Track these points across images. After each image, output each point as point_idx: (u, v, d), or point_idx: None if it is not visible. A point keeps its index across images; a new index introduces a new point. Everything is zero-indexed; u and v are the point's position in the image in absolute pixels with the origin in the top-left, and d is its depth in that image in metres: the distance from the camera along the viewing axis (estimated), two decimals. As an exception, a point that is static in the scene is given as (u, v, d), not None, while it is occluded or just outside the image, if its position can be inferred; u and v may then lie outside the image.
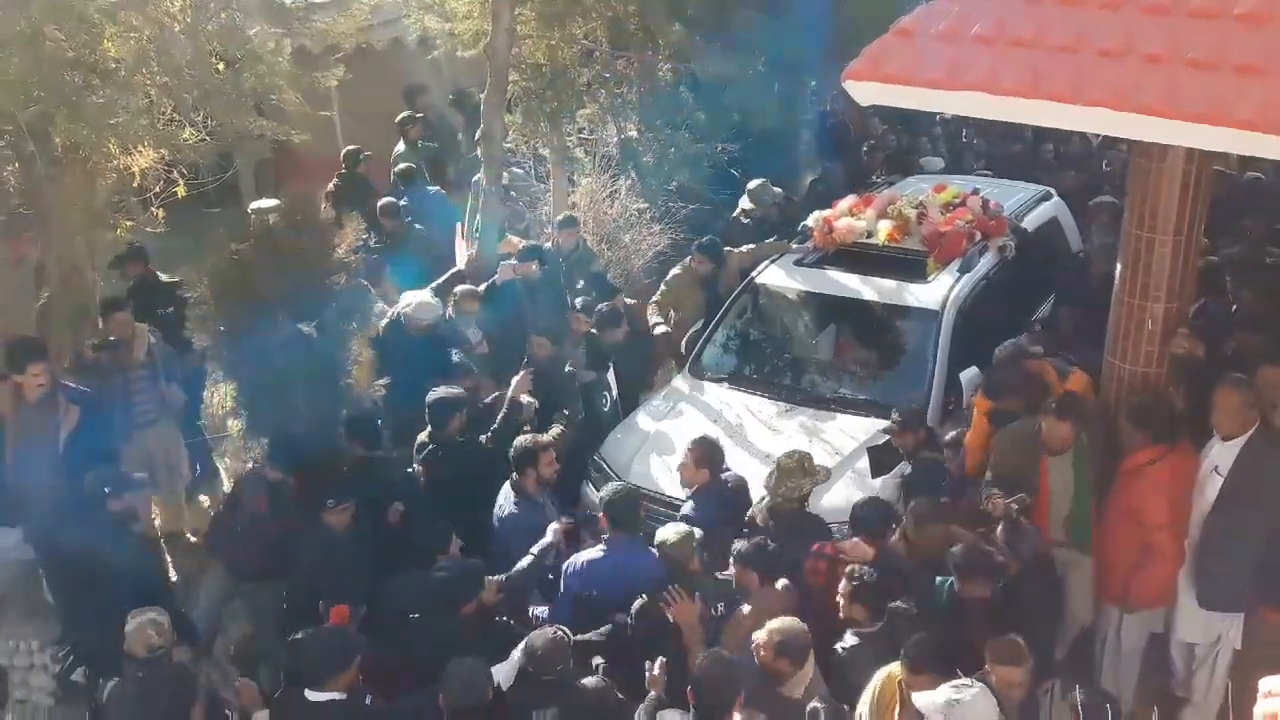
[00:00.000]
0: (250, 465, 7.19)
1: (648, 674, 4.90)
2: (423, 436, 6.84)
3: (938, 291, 7.75)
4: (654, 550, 5.74)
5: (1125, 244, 5.96)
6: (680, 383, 8.11)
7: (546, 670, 4.93)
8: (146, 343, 7.58)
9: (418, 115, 12.44)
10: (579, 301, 8.44)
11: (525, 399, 7.00)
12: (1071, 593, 5.90)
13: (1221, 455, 5.60)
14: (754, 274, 8.49)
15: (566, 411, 7.35)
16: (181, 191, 7.46)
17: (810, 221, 8.61)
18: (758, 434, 7.29)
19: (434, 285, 8.81)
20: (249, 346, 6.57)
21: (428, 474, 6.70)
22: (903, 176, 10.52)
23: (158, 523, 7.91)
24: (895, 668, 4.80)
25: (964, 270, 7.91)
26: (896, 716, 4.75)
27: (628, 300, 9.06)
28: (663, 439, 7.35)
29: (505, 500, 6.31)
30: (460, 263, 9.71)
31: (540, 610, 5.80)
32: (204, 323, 6.73)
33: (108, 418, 7.04)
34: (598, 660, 5.25)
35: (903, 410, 6.59)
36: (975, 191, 8.75)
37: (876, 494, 6.22)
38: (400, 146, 12.13)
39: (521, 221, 10.65)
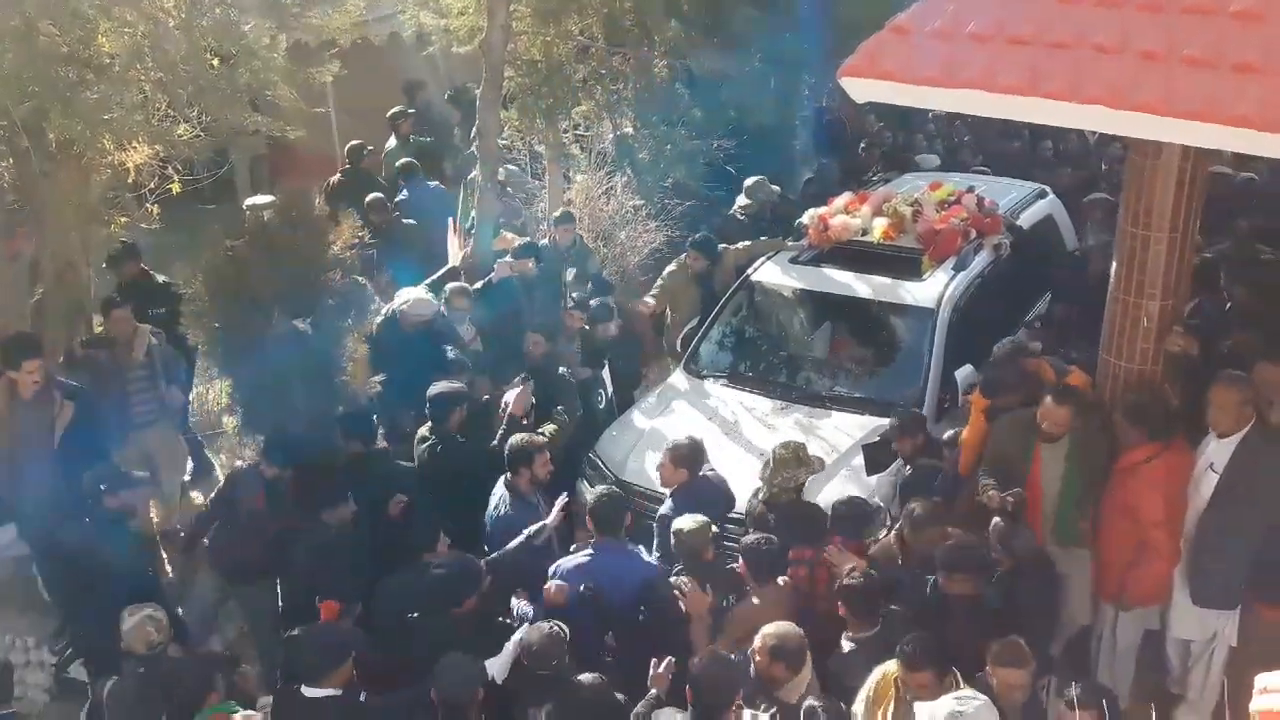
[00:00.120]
0: (243, 463, 7.19)
1: (652, 671, 4.86)
2: (423, 430, 6.83)
3: (933, 289, 7.75)
4: (640, 551, 5.73)
5: (1120, 241, 5.95)
6: (675, 380, 8.11)
7: (542, 665, 4.93)
8: (147, 343, 7.55)
9: (409, 110, 12.36)
10: (574, 296, 8.43)
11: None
12: (1067, 590, 5.90)
13: (1217, 452, 5.60)
14: (749, 271, 8.49)
15: (562, 409, 7.35)
16: (176, 187, 7.41)
17: (806, 219, 8.61)
18: (753, 431, 7.29)
19: (428, 281, 8.79)
20: (244, 343, 6.56)
21: (425, 468, 6.69)
22: (899, 174, 10.53)
23: (155, 521, 7.89)
24: (891, 666, 4.80)
25: (959, 268, 7.91)
26: (890, 714, 4.75)
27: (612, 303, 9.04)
28: (658, 436, 7.32)
29: (499, 501, 6.29)
30: (453, 259, 9.70)
31: (526, 609, 5.75)
32: (199, 319, 6.70)
33: (103, 414, 7.01)
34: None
35: (902, 415, 6.57)
36: (970, 189, 8.75)
37: (872, 492, 6.21)
38: (391, 142, 12.08)
39: (517, 218, 10.62)
